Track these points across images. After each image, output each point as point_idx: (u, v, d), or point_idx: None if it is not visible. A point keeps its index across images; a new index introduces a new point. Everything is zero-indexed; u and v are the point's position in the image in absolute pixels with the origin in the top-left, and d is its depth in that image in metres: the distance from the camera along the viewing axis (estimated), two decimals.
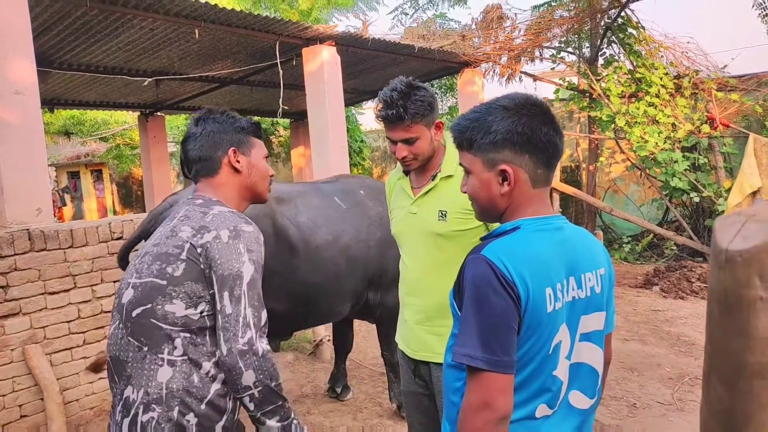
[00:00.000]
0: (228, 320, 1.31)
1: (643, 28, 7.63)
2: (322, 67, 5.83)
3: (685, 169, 6.89)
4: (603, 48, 8.13)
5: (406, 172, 2.01)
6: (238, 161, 1.53)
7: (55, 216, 3.78)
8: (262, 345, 1.31)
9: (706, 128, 6.94)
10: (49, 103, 8.04)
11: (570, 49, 8.59)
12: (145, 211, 11.23)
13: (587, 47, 8.50)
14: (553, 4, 8.46)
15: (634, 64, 7.57)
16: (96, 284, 3.65)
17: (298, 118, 10.68)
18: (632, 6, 7.59)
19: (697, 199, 6.94)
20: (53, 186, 14.99)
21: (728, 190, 6.70)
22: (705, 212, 7.39)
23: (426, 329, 1.86)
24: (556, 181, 8.13)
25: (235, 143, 1.54)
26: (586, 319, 1.20)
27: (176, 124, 12.17)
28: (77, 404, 3.58)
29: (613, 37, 7.91)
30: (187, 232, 1.39)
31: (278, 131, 12.70)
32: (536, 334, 1.10)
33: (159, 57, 6.34)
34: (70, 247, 3.52)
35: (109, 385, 1.47)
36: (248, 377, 1.28)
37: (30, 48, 3.66)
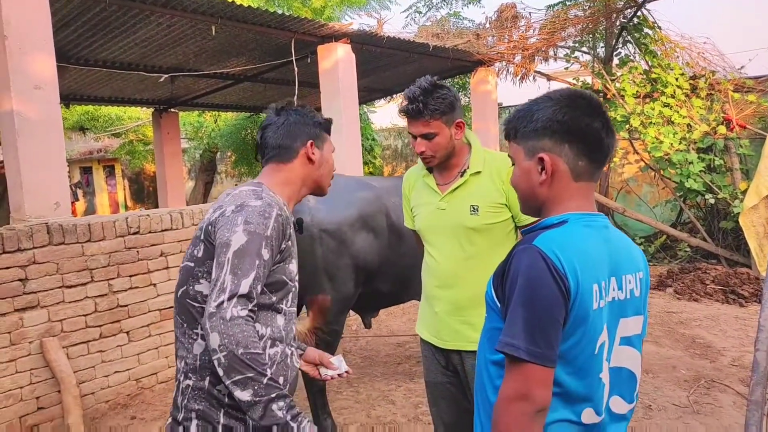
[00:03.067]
0: (210, 286, 1.35)
1: (659, 27, 7.56)
2: (337, 65, 5.83)
3: (701, 171, 6.82)
4: (618, 48, 8.07)
5: (429, 170, 2.05)
6: (314, 153, 1.60)
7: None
8: (234, 311, 1.29)
9: (722, 129, 6.87)
10: (65, 98, 8.08)
11: (584, 49, 8.53)
12: (157, 207, 11.30)
13: (602, 47, 8.44)
14: (567, 3, 8.41)
15: (650, 64, 7.50)
16: (113, 278, 3.68)
17: None
18: (648, 6, 7.52)
19: (712, 201, 6.87)
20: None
21: (744, 192, 6.61)
22: (720, 214, 7.32)
23: (459, 320, 1.94)
24: None
25: (313, 136, 1.62)
26: (626, 322, 1.18)
27: (189, 120, 12.22)
28: (93, 397, 3.61)
29: (629, 36, 7.85)
30: (209, 213, 1.48)
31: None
32: (581, 329, 1.08)
33: (175, 53, 6.37)
34: (87, 241, 3.55)
35: None
36: (213, 340, 1.28)
37: (50, 43, 3.69)
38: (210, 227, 1.44)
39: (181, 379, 1.46)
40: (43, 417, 3.35)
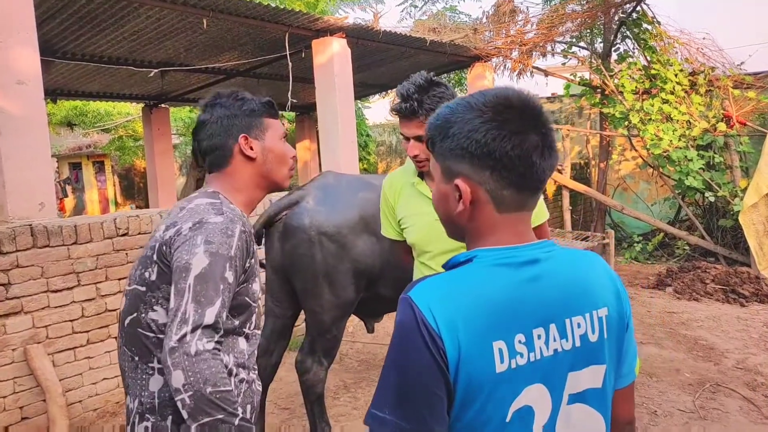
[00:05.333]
0: (170, 315, 1.19)
1: (658, 23, 7.48)
2: (333, 59, 5.70)
3: (700, 168, 6.76)
4: (617, 43, 7.98)
5: (420, 176, 1.88)
6: (251, 148, 1.41)
7: (56, 207, 3.67)
8: (200, 344, 1.14)
9: (722, 126, 6.80)
10: (52, 93, 7.91)
11: (582, 44, 8.44)
12: (147, 204, 11.17)
13: (600, 42, 8.35)
14: None
15: (649, 59, 7.42)
16: (100, 282, 3.54)
17: (304, 111, 10.54)
18: (648, 0, 7.44)
19: (711, 199, 6.81)
20: (55, 177, 14.90)
21: (744, 190, 6.56)
22: (719, 212, 7.26)
23: None
24: (566, 178, 8.02)
25: (246, 128, 1.42)
26: (576, 376, 0.94)
27: (180, 116, 12.04)
28: (80, 405, 3.47)
29: (628, 32, 7.76)
30: (160, 231, 1.32)
31: (283, 124, 12.54)
32: (479, 399, 0.86)
33: (165, 47, 6.21)
34: (74, 243, 3.40)
35: None
36: (176, 378, 1.12)
37: (34, 37, 3.53)
38: (164, 247, 1.27)
39: (136, 421, 1.28)
40: (27, 427, 3.21)
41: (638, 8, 7.48)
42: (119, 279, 3.63)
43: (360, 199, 2.95)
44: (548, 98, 10.32)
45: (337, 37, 5.75)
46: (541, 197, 1.17)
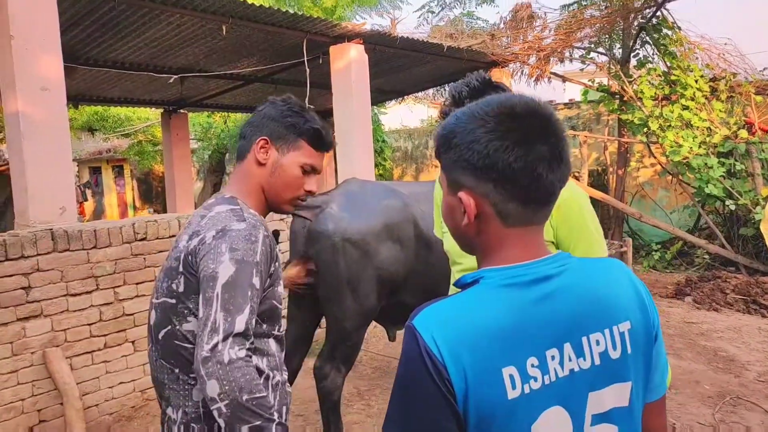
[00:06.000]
0: (199, 324, 1.20)
1: (678, 28, 7.38)
2: (350, 65, 5.71)
3: (721, 176, 6.65)
4: (636, 49, 7.90)
5: None
6: (264, 153, 1.39)
7: (77, 211, 3.73)
8: (231, 352, 1.15)
9: (743, 133, 6.68)
10: (74, 99, 8.03)
11: (601, 50, 8.36)
12: (165, 208, 11.29)
13: (619, 48, 8.27)
14: (584, 3, 8.24)
15: (669, 65, 7.33)
16: (119, 286, 3.58)
17: (321, 117, 10.52)
18: (668, 5, 7.35)
19: (732, 207, 6.69)
20: (75, 181, 15.14)
21: (765, 198, 6.44)
22: (740, 220, 7.13)
23: None
24: (583, 185, 7.93)
25: (274, 135, 1.40)
26: (598, 395, 0.89)
27: (199, 121, 12.17)
28: (96, 409, 3.51)
29: (647, 37, 7.68)
30: (184, 240, 1.32)
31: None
32: (494, 427, 0.82)
33: (185, 54, 6.28)
34: (93, 247, 3.45)
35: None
36: (212, 388, 1.13)
37: (57, 44, 3.59)
38: (189, 257, 1.28)
39: (181, 430, 1.30)
40: (45, 430, 3.25)
41: (658, 13, 7.40)
42: (137, 283, 3.66)
43: (384, 206, 2.95)
44: (566, 104, 10.24)
45: (354, 44, 5.77)
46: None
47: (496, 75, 7.70)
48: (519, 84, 8.22)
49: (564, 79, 8.44)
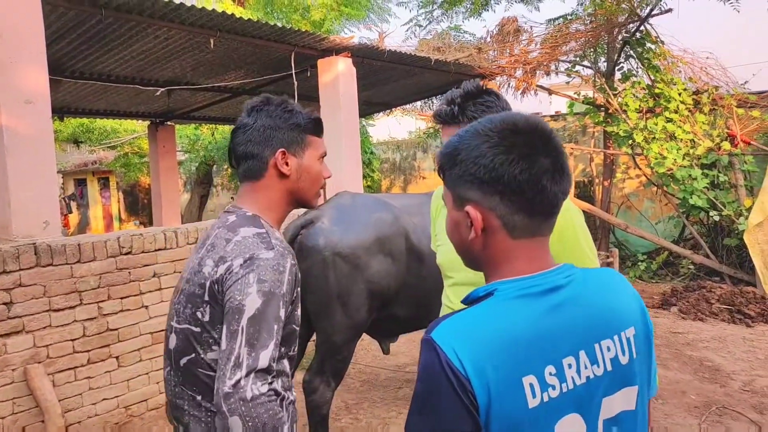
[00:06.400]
0: (221, 357, 1.18)
1: (662, 42, 7.51)
2: (338, 78, 5.74)
3: (704, 187, 6.74)
4: (620, 62, 8.02)
5: None
6: (287, 164, 1.36)
7: (61, 223, 3.69)
8: (255, 389, 1.13)
9: (726, 145, 6.79)
10: (59, 111, 7.98)
11: (586, 63, 8.48)
12: (151, 221, 11.19)
13: (604, 61, 8.39)
14: (569, 17, 8.36)
15: (653, 78, 7.44)
16: (103, 301, 3.54)
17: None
18: (651, 20, 7.48)
19: (716, 218, 6.78)
20: (59, 193, 14.98)
21: (748, 209, 6.53)
22: (723, 231, 7.22)
23: None
24: (570, 197, 7.98)
25: (286, 143, 1.36)
26: (610, 400, 0.91)
27: (186, 133, 12.12)
28: (79, 426, 3.44)
29: (631, 51, 7.80)
30: (209, 267, 1.27)
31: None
32: None
33: (172, 66, 6.27)
34: (77, 262, 3.41)
35: (169, 421, 1.42)
36: (234, 424, 1.12)
37: (43, 56, 3.57)
38: (216, 286, 1.24)
39: None
40: None
41: (642, 28, 7.53)
42: (122, 298, 3.62)
43: (375, 220, 2.95)
44: (552, 117, 10.34)
45: (342, 57, 5.80)
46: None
47: None
48: (506, 96, 8.26)
49: (550, 92, 8.54)
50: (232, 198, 14.60)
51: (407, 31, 10.26)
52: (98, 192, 15.83)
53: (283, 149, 1.36)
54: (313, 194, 1.44)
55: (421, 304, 3.04)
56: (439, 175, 1.01)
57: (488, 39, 8.02)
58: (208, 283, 1.26)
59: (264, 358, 1.16)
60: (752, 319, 5.67)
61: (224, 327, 1.20)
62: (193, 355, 1.28)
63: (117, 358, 3.62)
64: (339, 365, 2.92)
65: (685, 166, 6.83)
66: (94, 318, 3.50)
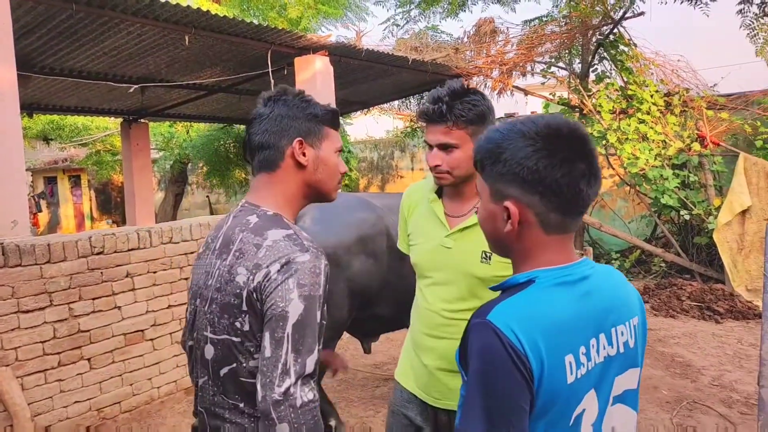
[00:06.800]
0: (266, 364, 1.18)
1: (634, 45, 7.65)
2: (315, 77, 5.71)
3: (676, 187, 6.89)
4: (594, 64, 8.15)
5: (438, 193, 1.74)
6: (304, 154, 1.34)
7: (30, 222, 3.59)
8: (303, 395, 1.16)
9: (696, 146, 6.95)
10: (28, 107, 7.78)
11: (561, 65, 8.59)
12: (124, 220, 10.98)
13: (578, 63, 8.52)
14: (545, 19, 8.46)
15: (626, 80, 7.58)
16: (74, 302, 3.46)
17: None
18: (624, 23, 7.61)
19: (687, 217, 6.93)
20: (29, 191, 14.61)
21: (718, 209, 6.70)
22: (694, 230, 7.39)
23: (451, 375, 1.65)
24: None
25: (304, 132, 1.34)
26: (619, 379, 1.04)
27: (160, 130, 11.92)
28: (50, 430, 3.36)
29: (605, 53, 7.93)
30: (243, 276, 1.24)
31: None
32: (553, 409, 0.95)
33: (146, 63, 6.16)
34: (47, 262, 3.33)
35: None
36: (282, 431, 1.14)
37: (10, 51, 3.47)
38: (254, 294, 1.22)
39: None
40: None
41: (615, 30, 7.65)
42: (93, 299, 3.55)
43: (357, 220, 2.94)
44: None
45: (319, 55, 5.77)
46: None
47: None
48: None
49: (526, 92, 8.63)
50: (207, 196, 14.41)
51: (385, 30, 10.28)
52: (69, 190, 15.48)
53: (300, 138, 1.34)
54: (331, 188, 1.41)
55: (402, 303, 3.02)
56: (476, 168, 1.08)
57: (465, 39, 8.07)
58: (245, 293, 1.23)
59: (310, 364, 1.18)
60: (721, 316, 5.82)
61: (266, 334, 1.19)
62: (235, 364, 1.26)
63: (89, 360, 3.55)
64: (320, 364, 2.93)
65: (656, 167, 6.96)
66: (65, 319, 3.42)
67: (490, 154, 1.03)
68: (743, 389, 4.07)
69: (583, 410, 0.99)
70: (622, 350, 1.03)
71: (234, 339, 1.25)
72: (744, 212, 6.46)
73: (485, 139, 1.06)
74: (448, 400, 1.67)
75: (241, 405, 1.27)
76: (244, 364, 1.25)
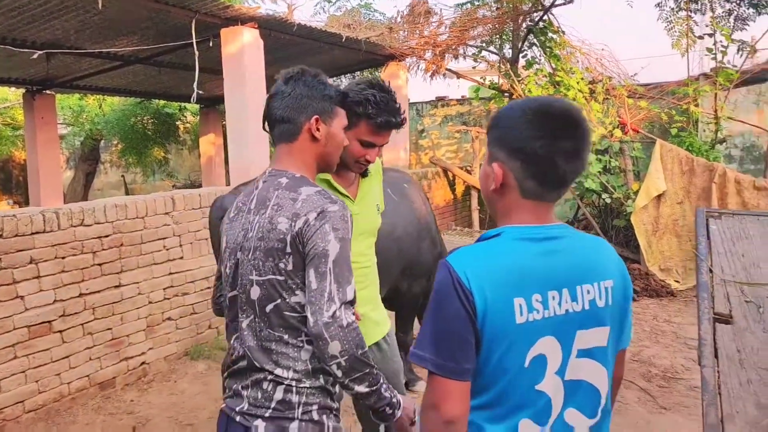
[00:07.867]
0: (314, 295, 1.41)
1: (563, 32, 7.85)
2: (243, 50, 5.40)
3: (598, 171, 7.16)
4: (524, 50, 8.29)
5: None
6: (319, 129, 1.57)
7: None
8: (347, 317, 1.40)
9: (618, 132, 7.25)
10: None
11: (492, 49, 8.68)
12: (27, 200, 10.09)
13: (509, 48, 8.64)
14: (476, 2, 8.50)
15: (554, 67, 7.77)
16: None
17: (209, 104, 10.02)
18: (554, 11, 7.78)
19: (607, 200, 7.24)
20: None
21: (635, 193, 7.04)
22: (613, 212, 7.75)
23: (370, 308, 1.98)
24: (474, 179, 8.21)
25: (320, 111, 1.57)
26: (584, 334, 1.15)
27: (68, 104, 11.01)
28: None
29: (535, 39, 8.08)
30: (284, 224, 1.47)
31: (185, 117, 11.89)
32: (503, 345, 1.09)
33: (52, 27, 5.60)
34: None
35: (227, 378, 1.59)
36: (334, 347, 1.37)
37: None
38: (297, 238, 1.46)
39: (294, 384, 1.50)
40: None
41: (545, 17, 7.80)
42: None
43: None
44: (458, 100, 10.54)
45: (248, 27, 5.46)
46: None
47: (393, 68, 7.71)
48: (415, 78, 8.29)
49: (458, 75, 8.68)
50: (122, 176, 13.60)
51: (316, 5, 9.97)
52: None
53: (317, 116, 1.56)
54: (336, 159, 1.66)
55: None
56: (487, 134, 1.25)
57: (399, 19, 7.96)
58: (288, 238, 1.45)
59: (350, 292, 1.43)
60: (637, 294, 6.13)
61: (311, 270, 1.43)
62: (279, 300, 1.48)
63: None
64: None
65: None
66: None
67: (493, 121, 1.20)
68: (660, 363, 4.29)
69: (542, 356, 1.11)
70: (587, 308, 1.15)
71: (279, 278, 1.47)
72: (659, 196, 6.82)
73: (497, 110, 1.25)
74: (375, 336, 2.00)
75: (286, 336, 1.49)
76: (288, 299, 1.47)
